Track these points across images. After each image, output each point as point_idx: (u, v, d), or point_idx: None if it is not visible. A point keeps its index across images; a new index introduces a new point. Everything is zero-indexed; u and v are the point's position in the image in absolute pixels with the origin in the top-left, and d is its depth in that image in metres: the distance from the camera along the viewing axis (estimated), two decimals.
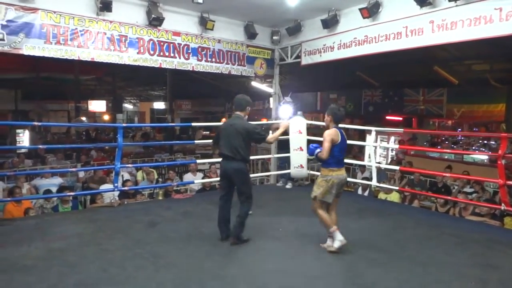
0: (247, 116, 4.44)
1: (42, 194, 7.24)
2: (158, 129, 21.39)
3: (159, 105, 27.48)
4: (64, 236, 4.46)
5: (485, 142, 13.81)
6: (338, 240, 3.98)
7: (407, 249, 4.23)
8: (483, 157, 11.97)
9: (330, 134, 4.05)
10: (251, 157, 10.23)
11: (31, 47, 5.57)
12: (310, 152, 4.24)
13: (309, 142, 6.65)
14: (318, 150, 4.12)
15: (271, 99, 9.17)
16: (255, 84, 9.18)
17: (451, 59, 10.83)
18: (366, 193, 7.75)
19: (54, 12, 5.69)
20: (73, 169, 8.88)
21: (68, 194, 6.47)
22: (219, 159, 4.58)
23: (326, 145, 4.01)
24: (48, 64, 13.20)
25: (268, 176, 8.59)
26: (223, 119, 5.33)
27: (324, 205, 4.08)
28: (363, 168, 8.93)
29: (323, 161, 4.10)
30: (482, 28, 5.16)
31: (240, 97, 4.42)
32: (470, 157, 12.06)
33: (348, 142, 4.65)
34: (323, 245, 4.10)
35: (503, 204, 4.97)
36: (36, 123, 9.08)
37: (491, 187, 8.04)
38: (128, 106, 30.91)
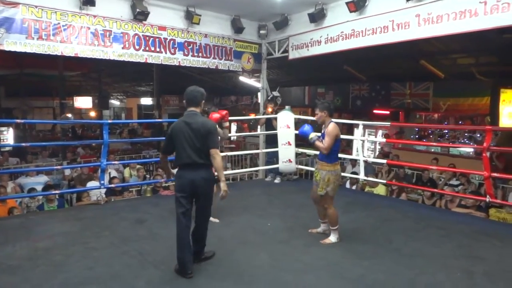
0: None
1: (27, 192, 7.13)
2: (145, 125, 21.16)
3: (146, 101, 27.18)
4: (50, 235, 4.39)
5: (471, 135, 13.99)
6: (335, 238, 4.13)
7: (394, 241, 4.27)
8: (468, 149, 12.12)
9: (335, 130, 3.99)
10: (240, 152, 10.18)
11: (12, 43, 5.45)
12: (302, 132, 4.15)
13: (297, 137, 6.66)
14: (314, 136, 4.06)
15: (259, 93, 9.14)
16: (242, 79, 9.17)
17: (437, 52, 10.90)
18: (354, 188, 7.80)
19: (36, 7, 5.56)
20: (59, 167, 8.75)
21: (53, 192, 6.37)
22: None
23: (331, 142, 3.96)
24: (32, 60, 12.94)
25: (256, 171, 8.58)
26: (212, 114, 4.96)
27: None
28: (353, 161, 8.97)
29: (322, 154, 4.07)
30: (467, 21, 5.20)
31: (192, 89, 3.64)
32: (456, 150, 12.21)
33: None
34: (324, 241, 4.15)
35: (488, 196, 5.05)
36: (19, 121, 8.90)
37: (477, 179, 8.15)
38: (115, 102, 30.53)
